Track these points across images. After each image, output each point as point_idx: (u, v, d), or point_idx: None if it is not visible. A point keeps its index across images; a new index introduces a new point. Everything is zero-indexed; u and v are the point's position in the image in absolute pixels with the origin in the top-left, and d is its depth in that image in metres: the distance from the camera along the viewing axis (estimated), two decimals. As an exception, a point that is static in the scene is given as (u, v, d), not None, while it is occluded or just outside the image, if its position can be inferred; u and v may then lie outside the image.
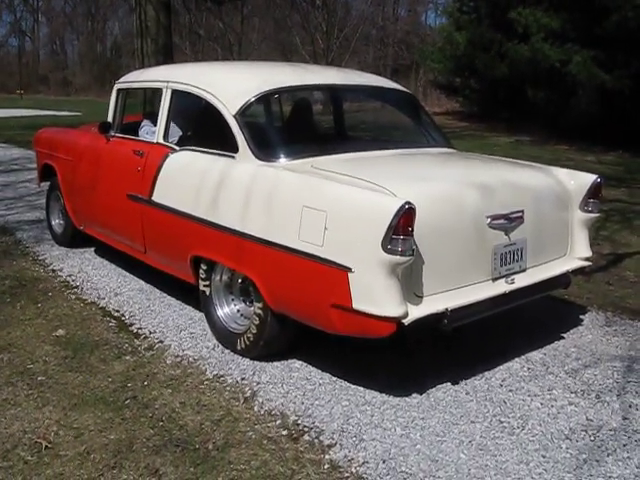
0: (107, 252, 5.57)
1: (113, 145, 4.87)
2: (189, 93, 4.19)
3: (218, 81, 4.08)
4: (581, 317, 4.43)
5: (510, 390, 3.42)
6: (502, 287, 3.45)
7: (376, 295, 2.98)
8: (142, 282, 4.99)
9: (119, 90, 4.97)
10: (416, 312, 3.05)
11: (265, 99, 3.94)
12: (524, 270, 3.60)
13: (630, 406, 3.26)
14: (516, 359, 3.77)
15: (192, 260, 3.95)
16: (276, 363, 3.69)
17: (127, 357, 3.77)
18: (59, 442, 2.95)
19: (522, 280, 3.55)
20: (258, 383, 3.47)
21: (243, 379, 3.51)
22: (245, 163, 3.66)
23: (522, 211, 3.52)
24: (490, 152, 8.23)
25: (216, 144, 3.92)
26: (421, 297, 3.14)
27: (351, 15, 24.28)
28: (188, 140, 4.26)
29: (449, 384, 3.47)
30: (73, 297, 4.73)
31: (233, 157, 3.73)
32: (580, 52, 13.25)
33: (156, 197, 4.20)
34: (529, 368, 3.68)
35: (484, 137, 16.60)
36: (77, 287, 4.93)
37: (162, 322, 4.25)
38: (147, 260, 4.54)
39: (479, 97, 20.37)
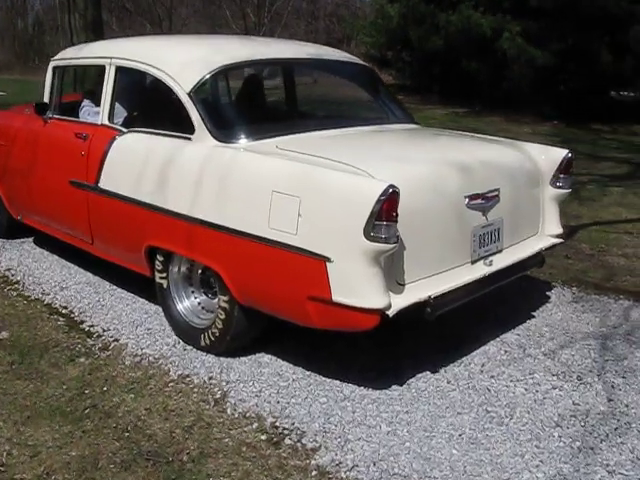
0: (47, 242, 5.11)
1: (52, 127, 4.41)
2: (136, 70, 3.79)
3: (168, 56, 3.69)
4: (547, 294, 4.32)
5: (492, 376, 3.26)
6: (482, 270, 3.27)
7: (358, 286, 2.74)
8: (89, 274, 4.58)
9: (55, 68, 4.49)
10: (399, 302, 2.83)
11: (221, 75, 3.60)
12: (500, 251, 3.43)
13: (613, 387, 3.16)
14: (491, 342, 3.61)
15: (147, 251, 3.61)
16: (243, 358, 3.41)
17: (81, 359, 3.41)
18: (13, 463, 2.60)
19: (500, 261, 3.38)
20: (227, 382, 3.18)
21: (211, 379, 3.21)
22: (202, 144, 3.32)
23: (498, 189, 3.34)
24: (429, 125, 8.09)
25: (169, 125, 3.55)
26: (403, 285, 2.91)
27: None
28: (136, 121, 3.86)
29: (428, 373, 3.28)
30: (14, 294, 4.30)
31: (189, 138, 3.38)
32: (510, 23, 13.21)
33: (103, 183, 3.81)
34: (506, 351, 3.53)
35: (419, 110, 16.45)
36: (18, 282, 4.48)
37: (115, 318, 3.89)
38: (94, 251, 4.14)
39: (413, 70, 20.21)
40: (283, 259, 2.89)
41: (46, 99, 4.53)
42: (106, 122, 3.93)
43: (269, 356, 3.44)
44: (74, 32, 10.58)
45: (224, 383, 3.18)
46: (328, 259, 2.74)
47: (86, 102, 4.53)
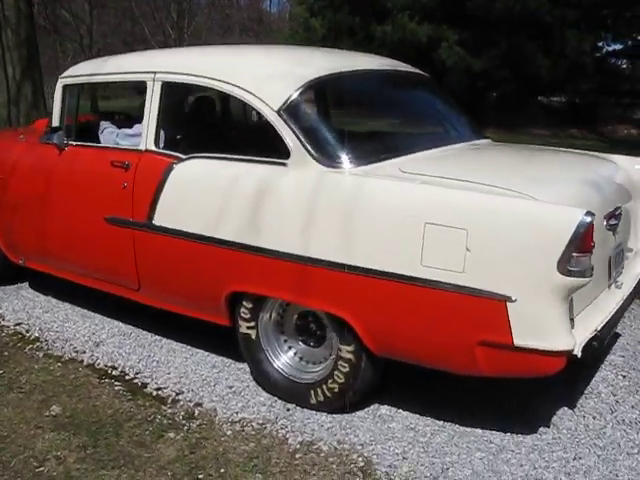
0: (48, 287, 4.35)
1: (72, 156, 3.69)
2: (196, 86, 3.19)
3: (243, 70, 3.09)
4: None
5: (632, 406, 2.93)
6: (618, 294, 2.93)
7: (545, 326, 2.31)
8: (118, 323, 3.87)
9: (67, 87, 3.77)
10: (578, 339, 2.43)
11: (311, 90, 3.05)
12: (621, 272, 3.12)
13: None
14: (601, 367, 3.30)
15: (228, 297, 3.02)
16: (359, 413, 2.89)
17: (170, 434, 2.77)
18: None
19: (627, 282, 3.06)
20: (361, 445, 2.65)
21: (340, 443, 2.67)
22: (304, 171, 2.77)
23: (621, 206, 3.03)
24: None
25: (250, 149, 2.98)
26: (573, 320, 2.52)
27: (200, 4, 22.90)
28: (197, 146, 3.23)
29: (565, 408, 2.91)
30: (40, 354, 3.53)
31: (283, 164, 2.83)
32: (447, 32, 13.25)
33: (159, 220, 3.16)
34: (624, 376, 3.21)
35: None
36: (38, 340, 3.70)
37: (181, 376, 3.24)
38: (141, 299, 3.46)
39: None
40: (443, 301, 2.42)
41: (56, 123, 3.80)
42: (152, 147, 3.29)
43: (385, 407, 2.94)
44: (7, 50, 9.52)
45: (359, 447, 2.65)
46: (509, 298, 2.30)
47: (106, 124, 3.85)
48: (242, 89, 2.96)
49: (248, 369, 3.27)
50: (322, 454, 2.61)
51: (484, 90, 13.62)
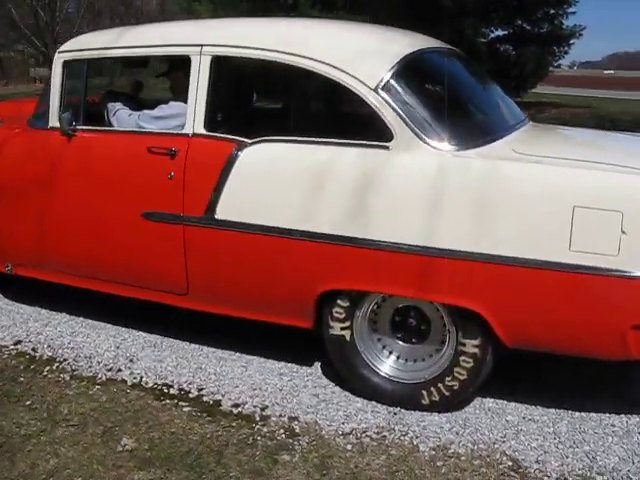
0: (23, 295, 3.73)
1: (86, 143, 3.08)
2: (259, 61, 2.73)
3: (328, 45, 2.68)
4: None
5: None
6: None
7: None
8: (137, 332, 3.31)
9: (68, 63, 3.14)
10: None
11: (408, 66, 2.71)
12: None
13: None
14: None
15: (319, 297, 2.65)
16: (468, 409, 2.65)
17: (284, 456, 2.36)
18: None
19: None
20: (495, 442, 2.42)
21: (475, 443, 2.42)
22: (415, 154, 2.47)
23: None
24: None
25: (334, 131, 2.61)
26: None
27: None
28: (262, 128, 2.78)
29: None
30: (67, 377, 2.90)
31: (384, 147, 2.50)
32: (346, 19, 13.16)
33: (223, 213, 2.71)
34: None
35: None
36: (55, 359, 3.07)
37: (253, 387, 2.81)
38: (188, 304, 2.97)
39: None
40: (594, 286, 2.24)
41: (54, 105, 3.16)
42: (202, 131, 2.81)
43: (488, 400, 2.72)
44: None
45: (495, 446, 2.42)
46: (669, 280, 2.18)
47: (117, 105, 3.25)
48: (330, 66, 2.56)
49: (320, 373, 2.94)
50: (463, 457, 2.36)
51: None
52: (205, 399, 2.75)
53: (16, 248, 3.38)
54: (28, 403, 2.73)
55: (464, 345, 2.50)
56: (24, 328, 3.41)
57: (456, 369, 2.53)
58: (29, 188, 3.24)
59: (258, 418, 2.62)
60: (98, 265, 3.14)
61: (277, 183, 2.64)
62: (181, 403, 2.72)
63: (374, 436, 2.49)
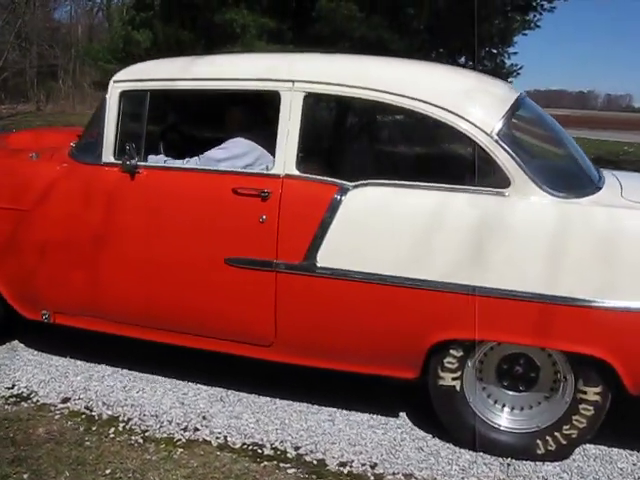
0: (42, 342, 3.38)
1: (154, 181, 2.80)
2: (357, 100, 2.59)
3: (439, 86, 2.58)
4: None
5: None
6: None
7: None
8: (192, 384, 3.03)
9: (131, 93, 2.87)
10: None
11: (517, 111, 2.64)
12: None
13: None
14: None
15: (431, 347, 2.51)
16: (576, 457, 2.58)
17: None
18: None
19: None
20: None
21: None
22: (534, 201, 2.40)
23: None
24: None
25: (439, 175, 2.51)
26: None
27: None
28: (362, 171, 2.63)
29: None
30: (139, 439, 2.58)
31: (501, 193, 2.43)
32: (294, 51, 13.17)
33: (325, 260, 2.53)
34: None
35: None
36: (117, 419, 2.73)
37: (350, 443, 2.61)
38: (272, 356, 2.72)
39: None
40: None
41: (108, 138, 2.88)
42: (294, 172, 2.62)
43: (590, 447, 2.66)
44: None
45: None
46: None
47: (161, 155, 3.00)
48: (443, 109, 2.47)
49: (410, 424, 2.79)
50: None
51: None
52: (307, 459, 2.53)
53: (59, 294, 3.02)
54: (108, 472, 2.41)
55: (584, 393, 2.44)
56: (66, 383, 3.04)
57: (575, 417, 2.46)
58: (79, 229, 2.91)
59: (372, 477, 2.43)
60: (165, 314, 2.85)
61: (386, 229, 2.50)
62: (283, 465, 2.49)
63: (504, 492, 2.38)
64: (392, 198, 2.54)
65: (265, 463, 2.49)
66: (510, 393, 2.61)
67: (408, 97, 2.53)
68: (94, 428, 2.69)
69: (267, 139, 2.92)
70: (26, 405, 2.85)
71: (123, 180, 2.84)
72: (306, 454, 2.55)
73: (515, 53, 13.41)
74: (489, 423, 2.57)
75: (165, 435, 2.65)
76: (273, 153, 2.85)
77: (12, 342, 3.45)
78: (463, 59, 14.08)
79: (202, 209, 2.72)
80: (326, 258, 2.54)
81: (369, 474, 2.45)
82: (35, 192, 3.00)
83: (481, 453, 2.58)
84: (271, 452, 2.56)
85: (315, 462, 2.51)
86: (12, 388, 2.99)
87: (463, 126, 2.47)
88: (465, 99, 2.54)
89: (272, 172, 2.66)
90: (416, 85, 2.58)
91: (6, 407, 2.84)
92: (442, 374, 2.55)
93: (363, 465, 2.49)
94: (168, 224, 2.77)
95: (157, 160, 2.99)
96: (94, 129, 3.08)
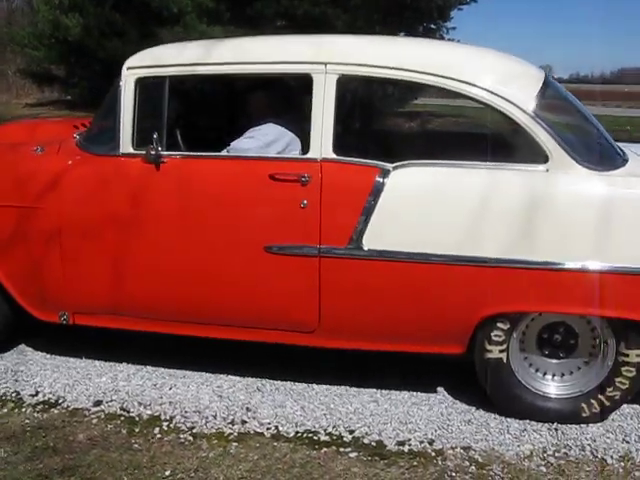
0: (52, 343, 3.23)
1: (181, 171, 2.68)
2: (392, 81, 2.55)
3: (476, 66, 2.57)
4: None
5: None
6: None
7: None
8: (231, 377, 2.95)
9: (142, 80, 2.71)
10: None
11: (548, 88, 2.66)
12: None
13: None
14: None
15: (480, 322, 2.53)
16: (614, 416, 2.68)
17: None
18: None
19: None
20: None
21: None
22: (572, 175, 2.45)
23: None
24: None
25: (485, 154, 2.52)
26: None
27: None
28: (399, 152, 2.60)
29: None
30: (189, 437, 2.49)
31: (542, 169, 2.47)
32: (236, 33, 12.90)
33: (371, 243, 2.51)
34: None
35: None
36: (158, 418, 2.63)
37: (405, 422, 2.61)
38: (315, 341, 2.69)
39: (92, 85, 18.08)
40: None
41: (125, 128, 2.73)
42: (331, 155, 2.57)
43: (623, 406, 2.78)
44: None
45: None
46: None
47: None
48: (480, 88, 2.48)
49: (451, 398, 2.82)
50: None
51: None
52: (364, 441, 2.52)
53: (80, 294, 2.86)
54: (168, 473, 2.32)
55: (627, 355, 2.54)
56: (92, 385, 2.90)
57: (618, 379, 2.56)
58: (101, 224, 2.76)
59: (433, 453, 2.45)
60: (200, 307, 2.75)
61: (433, 209, 2.50)
62: (342, 449, 2.47)
63: (557, 454, 2.44)
64: (437, 178, 2.53)
65: (325, 449, 2.47)
66: (550, 361, 2.69)
67: (444, 77, 2.52)
68: (137, 429, 2.59)
69: (294, 123, 2.86)
70: (57, 411, 2.71)
71: (147, 171, 2.71)
72: (362, 437, 2.55)
73: (453, 28, 13.72)
74: (534, 391, 2.64)
75: (214, 430, 2.58)
76: (301, 137, 2.80)
77: (19, 346, 3.27)
78: (402, 34, 14.33)
79: (238, 197, 2.63)
80: (372, 240, 2.52)
81: (429, 450, 2.47)
82: (47, 188, 2.82)
83: (527, 421, 2.66)
84: (327, 438, 2.54)
85: (374, 444, 2.50)
86: (36, 395, 2.83)
87: (501, 104, 2.49)
88: (502, 78, 2.56)
89: (309, 156, 2.60)
90: (451, 65, 2.57)
91: (36, 415, 2.68)
92: (489, 347, 2.59)
93: (421, 442, 2.51)
94: (200, 214, 2.66)
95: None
96: (105, 119, 2.93)
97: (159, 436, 2.55)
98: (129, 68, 2.78)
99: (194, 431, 2.58)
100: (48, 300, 2.92)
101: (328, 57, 2.59)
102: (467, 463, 2.39)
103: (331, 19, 12.31)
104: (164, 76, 2.74)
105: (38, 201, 2.82)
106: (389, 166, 2.54)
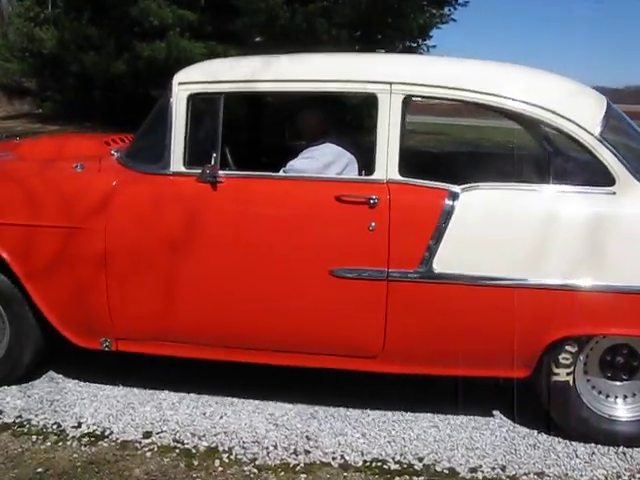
0: (77, 370, 3.05)
1: (241, 192, 2.58)
2: (464, 102, 2.51)
3: (541, 88, 2.54)
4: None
5: None
6: None
7: None
8: (280, 404, 2.83)
9: (202, 96, 2.61)
10: None
11: (610, 110, 2.65)
12: None
13: None
14: None
15: (548, 345, 2.49)
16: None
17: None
18: None
19: None
20: None
21: None
22: (638, 197, 2.46)
23: None
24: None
25: (551, 176, 2.51)
26: None
27: None
28: (464, 174, 2.55)
29: None
30: (255, 470, 2.37)
31: (610, 192, 2.45)
32: (217, 48, 12.75)
33: (442, 266, 2.44)
34: None
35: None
36: (216, 450, 2.49)
37: (471, 448, 2.54)
38: (376, 366, 2.60)
39: (65, 99, 17.71)
40: None
41: (177, 145, 2.61)
42: (397, 177, 2.51)
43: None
44: None
45: None
46: None
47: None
48: (547, 110, 2.46)
49: (510, 422, 2.76)
50: None
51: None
52: (436, 469, 2.44)
53: (126, 319, 2.71)
54: (243, 510, 2.20)
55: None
56: (137, 415, 2.74)
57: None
58: (151, 246, 2.63)
59: (508, 481, 2.39)
60: (258, 333, 2.63)
61: (502, 232, 2.46)
62: (415, 478, 2.38)
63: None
64: (504, 200, 2.49)
65: (397, 478, 2.38)
66: (614, 383, 2.66)
67: (511, 99, 2.50)
68: (196, 463, 2.45)
69: (350, 143, 2.79)
70: (106, 444, 2.55)
71: (201, 190, 2.60)
72: (432, 464, 2.46)
73: (434, 46, 13.91)
74: (600, 414, 2.60)
75: (278, 462, 2.46)
76: (358, 158, 2.74)
77: (47, 372, 3.09)
78: (383, 51, 14.45)
79: (302, 219, 2.54)
80: (443, 264, 2.45)
81: (503, 477, 2.40)
82: (92, 207, 2.68)
83: (592, 444, 2.62)
84: (397, 466, 2.45)
85: (446, 471, 2.43)
86: (79, 427, 2.66)
87: (568, 127, 2.47)
88: (569, 101, 2.55)
89: (374, 177, 2.53)
90: (518, 87, 2.55)
91: (83, 449, 2.52)
92: (557, 370, 2.54)
93: (493, 469, 2.45)
94: (261, 236, 2.56)
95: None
96: (151, 135, 2.81)
97: (221, 469, 2.42)
98: (180, 83, 2.67)
99: (257, 463, 2.46)
100: (90, 326, 2.77)
101: (393, 77, 2.54)
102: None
103: (318, 34, 12.32)
104: (220, 92, 2.64)
105: (82, 221, 2.68)
106: (457, 188, 2.49)
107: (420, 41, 13.80)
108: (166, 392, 2.94)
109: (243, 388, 2.94)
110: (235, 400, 2.89)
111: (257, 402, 2.87)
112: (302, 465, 2.45)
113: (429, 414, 2.81)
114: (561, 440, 2.64)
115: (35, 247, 2.74)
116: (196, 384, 2.97)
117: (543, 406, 2.64)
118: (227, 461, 2.46)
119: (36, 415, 2.73)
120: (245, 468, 2.42)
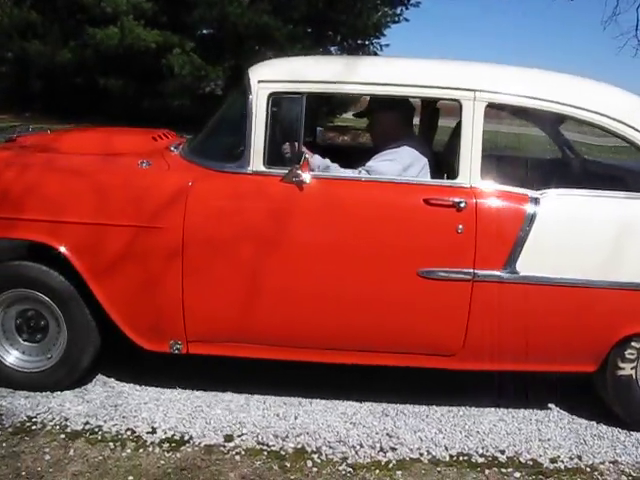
0: (132, 373, 2.95)
1: (324, 193, 2.55)
2: (545, 112, 2.60)
3: (613, 102, 2.65)
4: None
5: None
6: None
7: None
8: (349, 402, 2.84)
9: (283, 95, 2.55)
10: None
11: None
12: None
13: None
14: None
15: (617, 342, 2.63)
16: None
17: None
18: None
19: None
20: None
21: None
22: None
23: None
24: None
25: (621, 183, 2.64)
26: None
27: None
28: (539, 180, 2.63)
29: None
30: (349, 469, 2.37)
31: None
32: (173, 38, 12.39)
33: (525, 268, 2.52)
34: None
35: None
36: (309, 450, 2.46)
37: (543, 439, 2.64)
38: (454, 364, 2.66)
39: (3, 86, 16.67)
40: None
41: (257, 144, 2.56)
42: (479, 182, 2.56)
43: None
44: None
45: None
46: None
47: (323, 161, 2.73)
48: (621, 123, 2.59)
49: (564, 414, 2.89)
50: None
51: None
52: (520, 460, 2.53)
53: (201, 321, 2.63)
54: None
55: None
56: (210, 418, 2.67)
57: None
58: (230, 246, 2.56)
59: (588, 469, 2.50)
60: (339, 333, 2.62)
61: (580, 235, 2.57)
62: (503, 470, 2.46)
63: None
64: (582, 205, 2.61)
65: (487, 471, 2.45)
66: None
67: (590, 111, 2.61)
68: (288, 464, 2.42)
69: (424, 146, 2.82)
70: (190, 450, 2.47)
71: (286, 190, 2.56)
72: (515, 456, 2.55)
73: (387, 45, 14.11)
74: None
75: (369, 460, 2.47)
76: (431, 162, 2.79)
77: (96, 376, 2.94)
78: (335, 48, 14.52)
79: (390, 221, 2.55)
80: (526, 266, 2.54)
81: (583, 466, 2.52)
82: (166, 205, 2.57)
83: (647, 433, 2.80)
84: (482, 459, 2.52)
85: (530, 462, 2.52)
86: (154, 432, 2.56)
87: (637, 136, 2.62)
88: (633, 111, 2.69)
89: (458, 182, 2.58)
90: (598, 100, 2.67)
91: (167, 455, 2.43)
92: (622, 365, 2.69)
93: (571, 459, 2.56)
94: (348, 237, 2.55)
95: (324, 166, 2.74)
96: (224, 132, 2.74)
97: (315, 469, 2.40)
98: (261, 81, 2.61)
99: (349, 462, 2.46)
100: (160, 328, 2.67)
101: (477, 84, 2.60)
102: (624, 477, 2.48)
103: (272, 31, 12.23)
104: (302, 92, 2.59)
105: (157, 219, 2.57)
106: (537, 193, 2.59)
107: (372, 40, 13.96)
108: (229, 394, 2.88)
109: (304, 388, 2.92)
110: (302, 400, 2.86)
111: (324, 402, 2.87)
112: (394, 462, 2.47)
113: (491, 408, 2.90)
114: (621, 430, 2.79)
115: (102, 245, 2.61)
116: (255, 385, 2.92)
117: (605, 399, 2.79)
118: (319, 461, 2.45)
119: (105, 421, 2.61)
120: (340, 468, 2.42)
